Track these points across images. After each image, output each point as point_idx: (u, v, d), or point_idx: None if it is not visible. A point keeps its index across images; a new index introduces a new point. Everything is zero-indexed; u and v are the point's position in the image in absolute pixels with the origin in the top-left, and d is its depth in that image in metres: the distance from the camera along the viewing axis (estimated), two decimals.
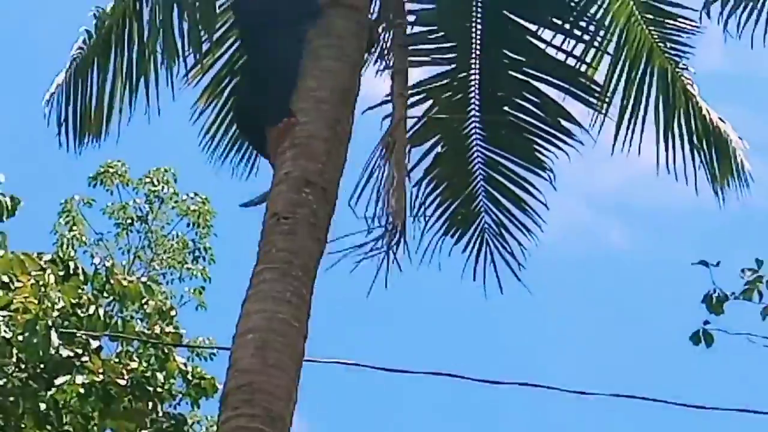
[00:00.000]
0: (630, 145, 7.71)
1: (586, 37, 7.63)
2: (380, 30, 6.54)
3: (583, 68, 7.65)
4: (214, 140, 8.05)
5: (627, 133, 7.70)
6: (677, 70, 7.70)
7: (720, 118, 7.66)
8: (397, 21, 6.57)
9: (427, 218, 7.65)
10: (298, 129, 5.50)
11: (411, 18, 7.31)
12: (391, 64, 6.63)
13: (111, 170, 15.12)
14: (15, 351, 9.19)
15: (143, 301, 10.17)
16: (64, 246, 14.71)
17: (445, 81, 7.56)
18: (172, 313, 10.39)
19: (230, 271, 15.37)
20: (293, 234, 5.18)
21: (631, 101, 7.71)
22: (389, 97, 6.48)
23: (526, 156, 7.62)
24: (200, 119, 7.97)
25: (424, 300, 14.55)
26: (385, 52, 6.76)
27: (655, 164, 7.73)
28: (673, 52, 7.70)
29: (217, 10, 7.38)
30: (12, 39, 16.87)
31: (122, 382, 9.34)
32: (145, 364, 9.68)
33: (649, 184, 7.66)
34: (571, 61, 7.64)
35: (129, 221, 15.43)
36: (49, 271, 9.41)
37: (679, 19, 7.64)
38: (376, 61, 6.91)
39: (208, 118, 8.02)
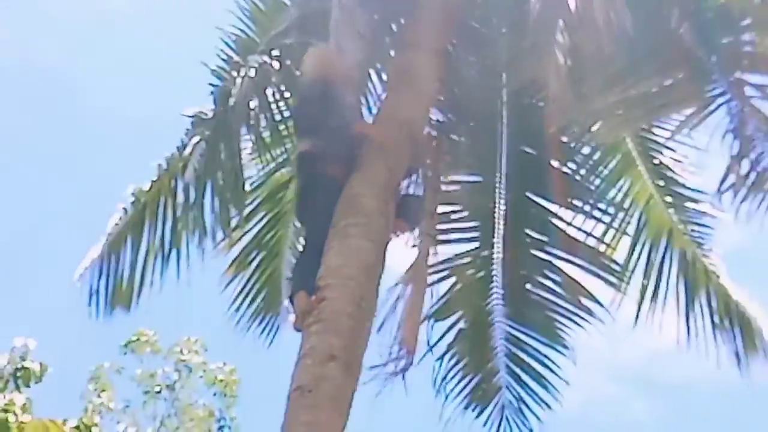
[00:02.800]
0: (653, 322, 7.83)
1: (606, 219, 7.83)
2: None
3: (603, 248, 7.82)
4: (239, 311, 8.27)
5: (649, 311, 7.81)
6: (698, 251, 7.85)
7: (745, 300, 7.73)
8: (434, 171, 6.71)
9: (448, 393, 7.70)
10: (324, 304, 5.61)
11: None
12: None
13: (142, 338, 15.25)
14: None
15: None
16: (89, 413, 14.73)
17: (468, 259, 7.73)
18: None
19: None
20: (316, 408, 5.24)
21: (652, 281, 7.85)
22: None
23: (548, 333, 7.72)
24: (227, 291, 8.24)
25: None
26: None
27: (678, 340, 7.80)
28: (694, 234, 7.87)
29: (248, 188, 7.66)
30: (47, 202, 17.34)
31: None
32: None
33: (674, 357, 7.71)
34: (591, 241, 7.81)
35: (157, 389, 15.46)
36: None
37: (698, 203, 7.84)
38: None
39: (234, 288, 8.27)
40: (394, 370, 5.88)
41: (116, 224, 7.53)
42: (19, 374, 9.53)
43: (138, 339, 15.36)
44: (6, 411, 9.09)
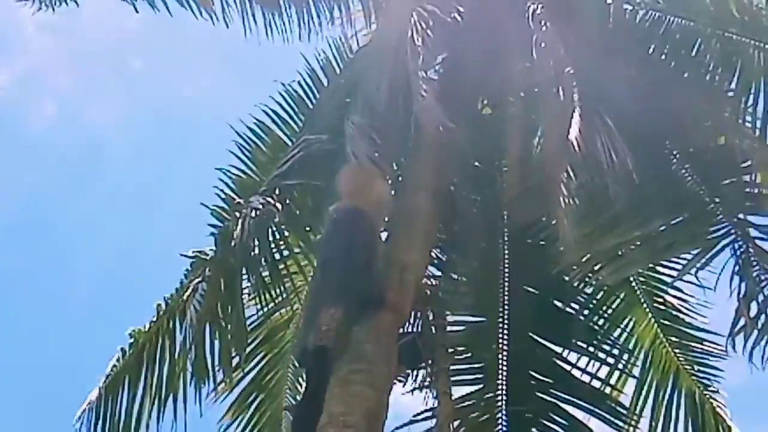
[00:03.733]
0: None
1: (611, 360, 7.71)
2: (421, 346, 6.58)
3: (609, 390, 7.68)
4: None
5: None
6: (705, 392, 7.72)
7: None
8: (440, 321, 6.62)
9: None
10: None
11: None
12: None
13: None
14: None
15: None
16: None
17: (472, 402, 7.55)
18: None
19: None
20: None
21: (660, 423, 7.70)
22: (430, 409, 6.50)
23: None
24: None
25: None
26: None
27: None
28: (700, 375, 7.75)
29: (248, 329, 7.55)
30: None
31: None
32: None
33: None
34: (596, 383, 7.67)
35: None
36: None
37: (705, 343, 7.74)
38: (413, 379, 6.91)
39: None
40: None
41: (114, 366, 7.41)
42: None
43: None
44: None
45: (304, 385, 6.51)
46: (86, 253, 16.85)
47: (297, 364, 7.38)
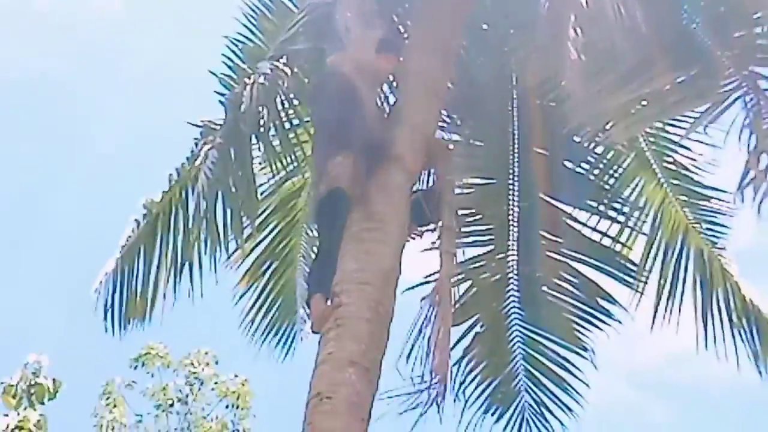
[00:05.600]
0: (669, 323, 7.76)
1: (621, 219, 7.77)
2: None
3: (619, 248, 7.75)
4: (254, 322, 8.23)
5: (665, 311, 7.74)
6: (713, 250, 7.79)
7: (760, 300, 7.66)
8: (447, 180, 6.66)
9: (466, 397, 7.62)
10: (341, 309, 5.57)
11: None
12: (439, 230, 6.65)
13: (152, 352, 15.19)
14: None
15: None
16: (103, 428, 14.68)
17: (482, 262, 7.66)
18: None
19: None
20: (336, 414, 5.21)
21: (669, 280, 7.79)
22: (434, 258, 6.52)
23: (566, 335, 7.64)
24: (240, 302, 8.20)
25: None
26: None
27: (695, 340, 7.71)
28: (709, 233, 7.81)
29: (259, 197, 7.59)
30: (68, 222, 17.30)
31: None
32: None
33: (691, 359, 7.63)
34: (606, 242, 7.75)
35: (169, 403, 15.39)
36: None
37: (713, 201, 7.78)
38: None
39: (248, 300, 8.22)
40: (428, 398, 5.81)
41: (129, 236, 7.47)
42: (32, 391, 9.45)
43: (148, 353, 15.31)
44: (20, 428, 9.02)
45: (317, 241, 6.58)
46: (97, 129, 16.94)
47: (312, 225, 7.43)
